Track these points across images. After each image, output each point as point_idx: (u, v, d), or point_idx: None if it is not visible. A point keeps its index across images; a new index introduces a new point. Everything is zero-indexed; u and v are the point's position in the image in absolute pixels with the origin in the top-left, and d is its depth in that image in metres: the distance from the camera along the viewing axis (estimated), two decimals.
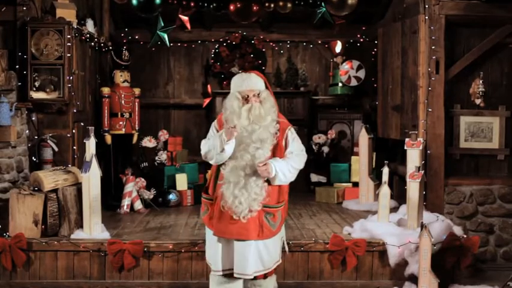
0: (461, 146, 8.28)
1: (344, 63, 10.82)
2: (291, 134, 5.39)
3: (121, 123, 9.17)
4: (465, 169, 8.33)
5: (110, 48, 9.68)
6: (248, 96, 5.27)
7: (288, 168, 5.32)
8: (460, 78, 8.24)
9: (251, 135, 5.26)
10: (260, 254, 5.32)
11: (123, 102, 9.16)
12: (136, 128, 9.39)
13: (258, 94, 5.28)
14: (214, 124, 5.44)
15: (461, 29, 8.22)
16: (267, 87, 5.37)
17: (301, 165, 5.41)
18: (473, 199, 8.12)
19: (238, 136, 5.22)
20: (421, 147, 7.22)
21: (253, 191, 5.25)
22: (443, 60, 7.92)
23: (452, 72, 8.15)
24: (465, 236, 6.89)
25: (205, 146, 5.39)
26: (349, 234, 6.84)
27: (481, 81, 7.89)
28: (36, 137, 7.82)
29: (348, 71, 10.78)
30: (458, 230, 7.05)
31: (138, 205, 8.54)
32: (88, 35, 8.65)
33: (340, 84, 10.81)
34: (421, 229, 6.14)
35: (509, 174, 8.27)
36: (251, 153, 5.25)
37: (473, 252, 6.84)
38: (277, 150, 5.35)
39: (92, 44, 8.96)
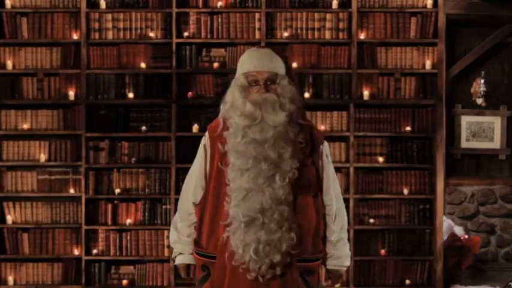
0: (462, 146, 8.26)
1: None
2: (329, 153, 3.45)
3: None
4: (466, 169, 8.31)
5: None
6: (258, 81, 3.32)
7: (348, 246, 3.56)
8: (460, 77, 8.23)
9: (264, 143, 3.25)
10: None
11: None
12: None
13: (275, 80, 3.33)
14: (204, 139, 3.45)
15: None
16: (289, 73, 3.40)
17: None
18: (474, 199, 8.10)
19: (241, 146, 3.27)
20: None
21: (277, 234, 3.25)
22: None
23: (453, 71, 8.13)
24: (466, 237, 6.87)
25: (178, 211, 3.49)
26: None
27: (482, 81, 7.87)
28: None
29: None
30: (459, 230, 7.03)
31: None
32: None
33: None
34: None
35: (510, 174, 8.23)
36: (266, 174, 3.24)
37: (474, 252, 6.82)
38: (305, 175, 3.29)
39: None
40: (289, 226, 3.25)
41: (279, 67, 3.35)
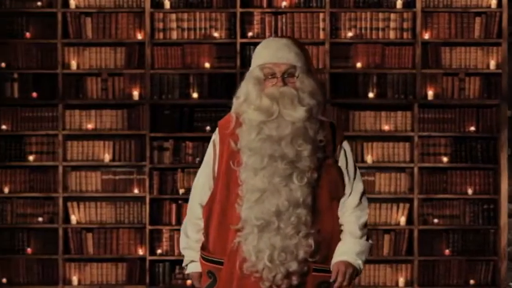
0: None
1: None
2: (349, 151, 3.15)
3: None
4: None
5: None
6: (275, 73, 3.02)
7: (364, 245, 3.08)
8: None
9: (280, 140, 2.96)
10: None
11: None
12: None
13: (293, 73, 3.03)
14: (214, 136, 3.16)
15: None
16: (308, 65, 3.11)
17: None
18: None
19: (255, 144, 2.98)
20: None
21: (293, 240, 2.95)
22: None
23: None
24: None
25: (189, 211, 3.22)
26: None
27: None
28: None
29: None
30: None
31: None
32: None
33: None
34: None
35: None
36: (283, 173, 2.95)
37: None
38: (326, 176, 3.04)
39: None
40: (307, 231, 2.94)
41: (298, 59, 3.05)
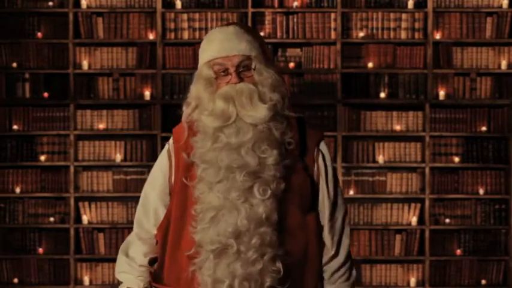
0: None
1: None
2: (328, 156, 2.65)
3: None
4: None
5: None
6: (228, 69, 2.54)
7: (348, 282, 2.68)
8: None
9: (240, 147, 2.49)
10: None
11: None
12: None
13: (249, 65, 2.55)
14: (168, 145, 2.72)
15: None
16: (265, 53, 2.61)
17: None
18: None
19: (210, 154, 2.52)
20: None
21: (257, 265, 2.46)
22: None
23: None
24: None
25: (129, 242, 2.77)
26: None
27: None
28: None
29: None
30: None
31: None
32: None
33: None
34: None
35: None
36: (242, 186, 2.47)
37: None
38: (296, 186, 2.55)
39: None
40: (273, 254, 2.46)
41: (252, 47, 2.54)
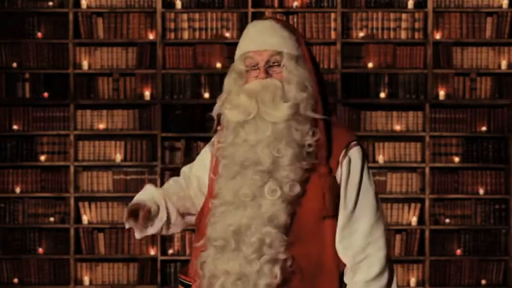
0: None
1: None
2: (356, 157, 2.47)
3: None
4: None
5: None
6: (258, 64, 2.46)
7: None
8: None
9: (257, 144, 2.42)
10: None
11: None
12: None
13: (279, 61, 2.46)
14: (214, 139, 2.66)
15: None
16: (301, 51, 2.51)
17: (382, 264, 2.41)
18: None
19: (228, 150, 2.47)
20: None
21: (254, 266, 2.36)
22: None
23: None
24: None
25: None
26: None
27: None
28: None
29: None
30: None
31: None
32: None
33: None
34: None
35: None
36: (254, 184, 2.40)
37: None
38: (313, 190, 2.42)
39: None
40: (273, 257, 2.33)
41: (284, 43, 2.46)
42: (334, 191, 2.41)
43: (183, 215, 2.67)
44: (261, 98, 2.41)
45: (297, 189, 2.38)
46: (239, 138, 2.43)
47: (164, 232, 2.65)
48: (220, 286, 2.36)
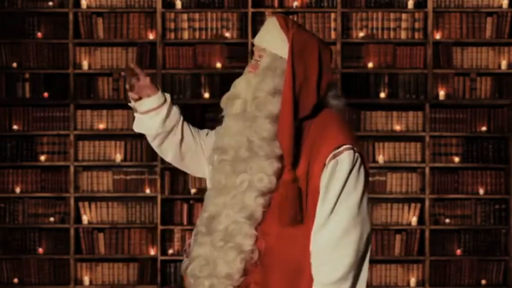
0: None
1: None
2: (343, 164, 2.36)
3: None
4: None
5: None
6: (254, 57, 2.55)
7: None
8: None
9: (239, 134, 2.46)
10: None
11: None
12: None
13: (261, 58, 2.50)
14: None
15: None
16: (291, 52, 2.43)
17: (344, 269, 2.35)
18: None
19: (218, 136, 2.55)
20: None
21: (220, 252, 2.38)
22: None
23: None
24: None
25: None
26: None
27: None
28: None
29: None
30: None
31: None
32: None
33: None
34: None
35: None
36: (232, 172, 2.44)
37: None
38: (289, 192, 2.37)
39: None
40: (238, 247, 2.34)
41: (271, 41, 2.45)
42: (295, 200, 2.35)
43: (182, 146, 2.70)
44: (241, 90, 2.48)
45: (265, 181, 2.37)
46: (223, 128, 2.51)
47: (160, 132, 2.68)
48: (192, 268, 2.40)
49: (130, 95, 2.64)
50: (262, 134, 2.40)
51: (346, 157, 2.36)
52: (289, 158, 2.37)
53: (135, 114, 2.71)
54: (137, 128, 2.73)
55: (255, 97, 2.44)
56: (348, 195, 2.36)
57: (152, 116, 2.67)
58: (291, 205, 2.35)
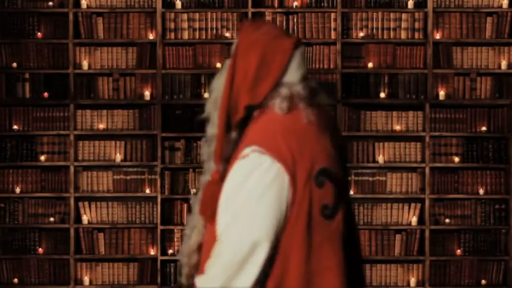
0: None
1: None
2: (241, 163, 2.25)
3: None
4: None
5: None
6: None
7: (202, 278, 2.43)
8: None
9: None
10: None
11: None
12: None
13: None
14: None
15: None
16: (240, 49, 2.37)
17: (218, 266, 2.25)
18: None
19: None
20: None
21: (185, 246, 2.50)
22: None
23: None
24: None
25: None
26: None
27: None
28: None
29: None
30: None
31: None
32: None
33: None
34: None
35: None
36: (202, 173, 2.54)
37: None
38: (212, 188, 2.38)
39: None
40: (191, 242, 2.45)
41: (236, 43, 2.40)
42: (214, 199, 2.31)
43: None
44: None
45: (206, 178, 2.40)
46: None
47: None
48: (179, 265, 2.51)
49: None
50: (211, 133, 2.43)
51: (247, 158, 2.25)
52: (217, 158, 2.34)
53: None
54: None
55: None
56: (230, 199, 2.26)
57: None
58: (208, 204, 2.33)
